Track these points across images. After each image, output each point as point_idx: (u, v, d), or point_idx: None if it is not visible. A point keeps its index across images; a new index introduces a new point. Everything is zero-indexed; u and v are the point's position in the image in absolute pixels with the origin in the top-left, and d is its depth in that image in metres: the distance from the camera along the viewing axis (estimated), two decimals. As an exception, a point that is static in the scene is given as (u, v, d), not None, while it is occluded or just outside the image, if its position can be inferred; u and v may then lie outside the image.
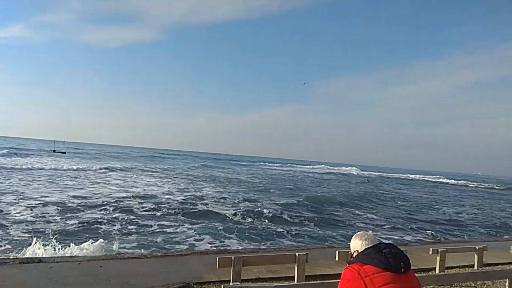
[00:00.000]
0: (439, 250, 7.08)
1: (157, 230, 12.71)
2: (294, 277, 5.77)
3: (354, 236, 2.42)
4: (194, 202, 19.42)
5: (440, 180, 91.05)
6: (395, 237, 14.97)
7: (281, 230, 14.17)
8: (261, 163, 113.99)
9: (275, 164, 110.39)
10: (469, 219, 23.53)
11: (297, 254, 5.72)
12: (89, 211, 15.07)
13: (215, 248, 10.09)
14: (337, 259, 5.98)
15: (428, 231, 17.41)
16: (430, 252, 7.09)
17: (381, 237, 14.07)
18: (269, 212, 17.60)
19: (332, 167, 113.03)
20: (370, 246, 2.22)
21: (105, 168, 38.91)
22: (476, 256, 7.65)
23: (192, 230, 12.92)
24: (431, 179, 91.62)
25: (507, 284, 5.98)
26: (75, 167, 37.15)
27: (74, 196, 18.39)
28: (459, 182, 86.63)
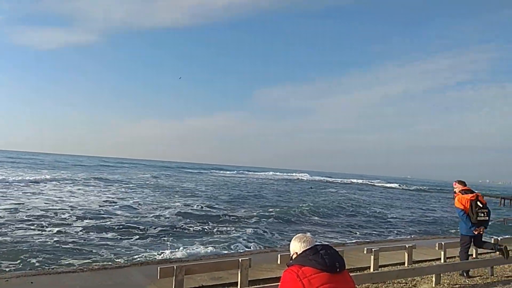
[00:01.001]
0: (373, 249, 7.53)
1: (98, 243, 12.12)
2: (237, 282, 5.83)
3: (293, 239, 2.49)
4: (144, 215, 18.55)
5: (379, 184, 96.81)
6: (334, 239, 15.62)
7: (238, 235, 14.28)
8: (212, 170, 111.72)
9: (228, 172, 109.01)
10: (401, 218, 25.27)
11: (240, 259, 5.78)
12: (20, 225, 13.98)
13: (157, 258, 9.85)
14: (279, 262, 6.13)
15: (364, 231, 18.42)
16: (365, 252, 7.52)
17: (322, 239, 14.63)
18: (227, 218, 17.57)
19: (283, 174, 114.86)
20: (308, 248, 2.29)
21: (40, 179, 36.25)
22: (406, 254, 8.23)
23: (138, 243, 12.52)
24: (370, 183, 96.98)
25: (433, 278, 6.52)
26: (2, 177, 34.25)
27: (1, 209, 16.96)
28: (393, 184, 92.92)
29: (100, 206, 20.27)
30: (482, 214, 6.92)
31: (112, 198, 24.59)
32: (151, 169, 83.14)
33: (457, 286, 6.54)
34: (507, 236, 12.96)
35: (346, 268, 2.30)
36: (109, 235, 13.38)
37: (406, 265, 8.14)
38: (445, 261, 8.47)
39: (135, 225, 15.34)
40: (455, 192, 7.35)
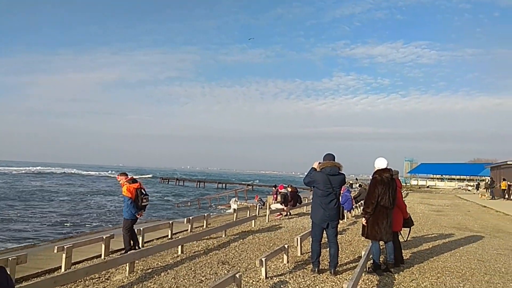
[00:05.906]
0: (65, 246, 6.68)
1: None
2: None
3: None
4: None
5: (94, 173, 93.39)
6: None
7: None
8: None
9: None
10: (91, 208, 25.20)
11: None
12: None
13: None
14: None
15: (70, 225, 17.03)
16: (55, 251, 6.59)
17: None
18: None
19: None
20: None
21: None
22: (103, 246, 7.83)
23: None
24: (76, 172, 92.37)
25: (127, 267, 6.39)
26: None
27: None
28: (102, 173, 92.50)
29: None
30: (145, 200, 8.29)
31: None
32: None
33: (150, 269, 6.68)
34: (197, 215, 14.97)
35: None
36: None
37: (103, 257, 7.75)
38: (142, 246, 8.65)
39: None
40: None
